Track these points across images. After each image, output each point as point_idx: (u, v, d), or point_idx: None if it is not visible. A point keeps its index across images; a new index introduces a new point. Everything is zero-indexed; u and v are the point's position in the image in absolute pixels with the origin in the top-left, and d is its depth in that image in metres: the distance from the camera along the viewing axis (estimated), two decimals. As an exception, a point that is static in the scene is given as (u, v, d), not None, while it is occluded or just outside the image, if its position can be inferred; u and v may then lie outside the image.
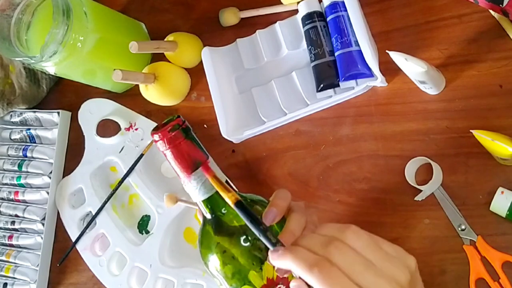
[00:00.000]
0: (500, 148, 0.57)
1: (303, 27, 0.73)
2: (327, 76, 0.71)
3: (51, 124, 0.89)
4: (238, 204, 0.45)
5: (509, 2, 0.61)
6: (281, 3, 0.77)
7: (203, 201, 0.49)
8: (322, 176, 0.71)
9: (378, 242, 0.45)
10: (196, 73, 0.81)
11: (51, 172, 0.86)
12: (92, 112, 0.86)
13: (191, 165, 0.47)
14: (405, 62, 0.59)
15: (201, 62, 0.77)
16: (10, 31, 0.74)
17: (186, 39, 0.80)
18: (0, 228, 0.88)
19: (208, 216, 0.49)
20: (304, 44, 0.74)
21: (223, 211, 0.49)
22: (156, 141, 0.47)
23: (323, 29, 0.72)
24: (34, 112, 0.90)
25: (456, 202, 0.64)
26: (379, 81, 0.68)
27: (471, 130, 0.59)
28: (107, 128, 0.85)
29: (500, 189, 0.61)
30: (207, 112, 0.79)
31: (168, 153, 0.47)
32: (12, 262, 0.85)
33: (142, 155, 0.81)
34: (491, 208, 0.61)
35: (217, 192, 0.48)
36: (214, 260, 0.50)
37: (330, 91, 0.72)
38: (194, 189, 0.48)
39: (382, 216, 0.67)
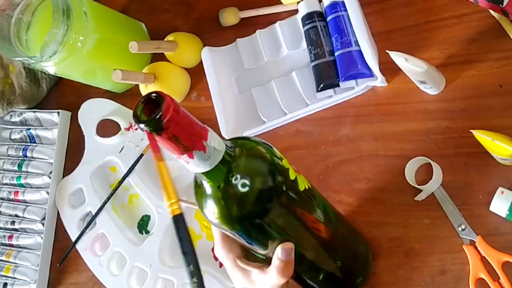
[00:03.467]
0: (500, 148, 0.57)
1: (303, 27, 0.73)
2: (327, 76, 0.71)
3: (51, 124, 0.89)
4: (175, 218, 0.43)
5: (509, 2, 0.61)
6: (281, 3, 0.77)
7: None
8: (322, 176, 0.71)
9: None
10: (196, 73, 0.81)
11: (51, 172, 0.86)
12: (92, 112, 0.86)
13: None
14: (405, 62, 0.59)
15: (201, 62, 0.77)
16: (10, 31, 0.74)
17: (186, 39, 0.80)
18: (0, 228, 0.88)
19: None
20: (304, 44, 0.74)
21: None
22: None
23: (323, 29, 0.72)
24: (34, 112, 0.90)
25: (456, 202, 0.64)
26: (379, 81, 0.68)
27: (471, 130, 0.59)
28: (107, 128, 0.85)
29: (500, 189, 0.61)
30: (207, 112, 0.79)
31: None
32: (12, 262, 0.85)
33: (142, 155, 0.81)
34: (491, 208, 0.61)
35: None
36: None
37: (330, 91, 0.72)
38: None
39: (382, 216, 0.67)
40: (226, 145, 0.45)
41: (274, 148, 0.50)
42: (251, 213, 0.47)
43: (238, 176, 0.45)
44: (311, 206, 0.53)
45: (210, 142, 0.42)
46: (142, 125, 0.38)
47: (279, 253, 0.49)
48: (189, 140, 0.41)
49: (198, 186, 0.48)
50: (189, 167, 0.43)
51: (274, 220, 0.48)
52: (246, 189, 0.46)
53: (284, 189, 0.48)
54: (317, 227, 0.55)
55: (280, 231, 0.50)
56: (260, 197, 0.46)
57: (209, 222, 0.50)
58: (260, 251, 0.51)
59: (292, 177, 0.49)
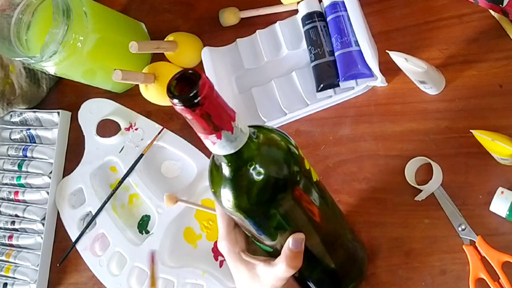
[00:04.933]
0: (500, 148, 0.57)
1: (303, 27, 0.73)
2: (327, 76, 0.71)
3: (51, 124, 0.89)
4: None
5: (509, 2, 0.61)
6: (281, 3, 0.77)
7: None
8: (322, 176, 0.71)
9: None
10: (196, 73, 0.81)
11: (51, 172, 0.86)
12: (92, 112, 0.86)
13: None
14: (405, 62, 0.59)
15: (201, 62, 0.77)
16: (10, 31, 0.74)
17: (186, 39, 0.80)
18: (0, 228, 0.88)
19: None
20: (304, 44, 0.74)
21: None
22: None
23: (323, 29, 0.72)
24: (34, 112, 0.90)
25: (456, 202, 0.64)
26: (379, 81, 0.68)
27: (471, 130, 0.59)
28: (107, 128, 0.85)
29: (500, 189, 0.61)
30: (207, 112, 0.79)
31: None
32: (12, 262, 0.85)
33: (142, 155, 0.81)
34: (491, 208, 0.61)
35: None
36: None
37: (330, 91, 0.72)
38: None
39: (382, 216, 0.67)
40: (249, 130, 0.45)
41: (290, 137, 0.50)
42: (269, 200, 0.47)
43: (260, 162, 0.46)
44: (322, 198, 0.54)
45: (238, 124, 0.43)
46: (176, 101, 0.38)
47: (290, 242, 0.49)
48: (220, 119, 0.41)
49: (215, 170, 0.47)
50: (214, 148, 0.43)
51: (289, 209, 0.48)
52: (267, 175, 0.46)
53: (302, 178, 0.48)
54: (325, 220, 0.55)
55: (293, 221, 0.50)
56: (280, 184, 0.47)
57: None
58: (268, 242, 0.51)
59: (307, 166, 0.50)
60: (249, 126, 0.47)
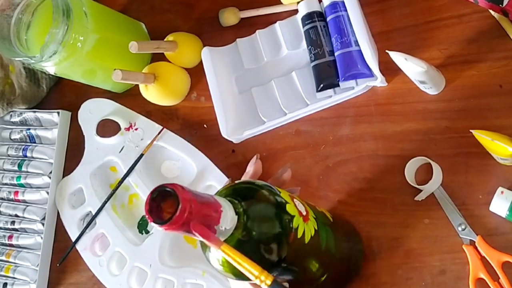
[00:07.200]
0: (500, 148, 0.57)
1: (303, 27, 0.73)
2: (327, 76, 0.71)
3: (51, 124, 0.89)
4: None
5: (509, 2, 0.61)
6: (281, 3, 0.77)
7: None
8: (322, 176, 0.71)
9: None
10: (196, 73, 0.81)
11: (51, 172, 0.86)
12: (92, 112, 0.86)
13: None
14: (405, 62, 0.59)
15: (201, 62, 0.77)
16: (10, 31, 0.74)
17: (186, 39, 0.80)
18: (0, 228, 0.88)
19: None
20: (304, 44, 0.74)
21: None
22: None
23: (323, 29, 0.72)
24: (34, 112, 0.90)
25: (456, 202, 0.64)
26: (379, 81, 0.68)
27: (471, 130, 0.59)
28: (107, 128, 0.85)
29: (500, 189, 0.61)
30: (207, 112, 0.79)
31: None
32: (12, 262, 0.85)
33: (142, 155, 0.81)
34: (491, 208, 0.61)
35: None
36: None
37: (330, 91, 0.72)
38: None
39: (382, 216, 0.67)
40: (233, 204, 0.43)
41: (274, 188, 0.49)
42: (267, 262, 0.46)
43: (252, 234, 0.44)
44: (316, 249, 0.53)
45: (222, 225, 0.41)
46: (160, 226, 0.37)
47: None
48: (203, 232, 0.39)
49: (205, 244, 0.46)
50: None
51: (287, 254, 0.47)
52: (262, 243, 0.45)
53: (293, 244, 0.47)
54: (319, 263, 0.55)
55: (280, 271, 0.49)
56: (274, 247, 0.46)
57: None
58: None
59: (295, 225, 0.48)
60: (226, 192, 0.46)
